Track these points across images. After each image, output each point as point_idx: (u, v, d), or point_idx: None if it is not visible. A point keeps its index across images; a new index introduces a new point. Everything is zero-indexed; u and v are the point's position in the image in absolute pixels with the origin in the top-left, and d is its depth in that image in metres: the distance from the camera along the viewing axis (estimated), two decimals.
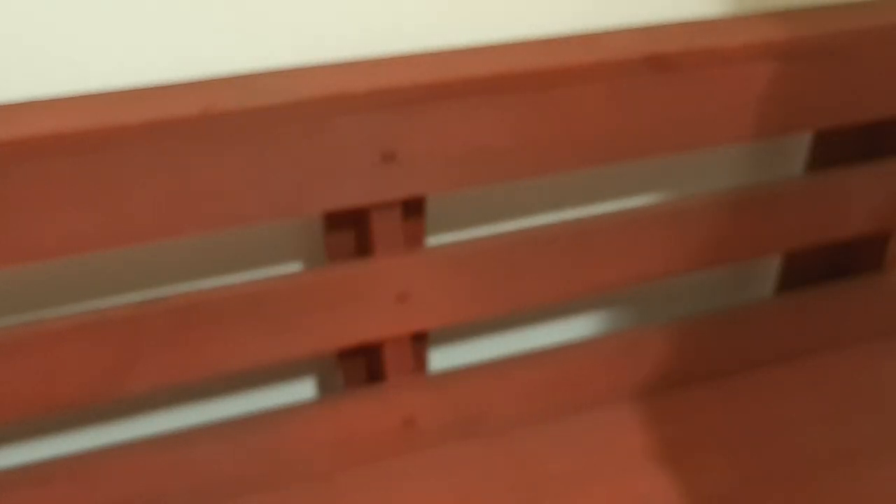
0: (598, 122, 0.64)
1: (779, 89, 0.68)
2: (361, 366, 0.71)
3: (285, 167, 0.57)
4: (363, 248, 0.64)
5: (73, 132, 0.52)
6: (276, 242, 0.70)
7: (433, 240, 0.73)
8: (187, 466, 0.63)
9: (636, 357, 0.74)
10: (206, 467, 0.63)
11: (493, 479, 0.67)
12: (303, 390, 0.77)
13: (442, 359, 0.78)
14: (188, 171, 0.55)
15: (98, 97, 0.56)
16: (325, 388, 0.78)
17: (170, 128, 0.54)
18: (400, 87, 0.58)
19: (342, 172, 0.59)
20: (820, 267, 0.84)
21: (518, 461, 0.68)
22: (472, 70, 0.61)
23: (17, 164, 0.51)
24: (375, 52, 0.64)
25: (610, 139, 0.65)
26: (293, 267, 0.71)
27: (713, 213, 0.71)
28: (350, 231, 0.65)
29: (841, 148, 0.79)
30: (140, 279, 0.66)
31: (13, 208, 0.52)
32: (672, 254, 0.71)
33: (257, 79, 0.59)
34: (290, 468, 0.65)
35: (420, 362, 0.70)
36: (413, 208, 0.64)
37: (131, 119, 0.53)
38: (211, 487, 0.64)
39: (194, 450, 0.63)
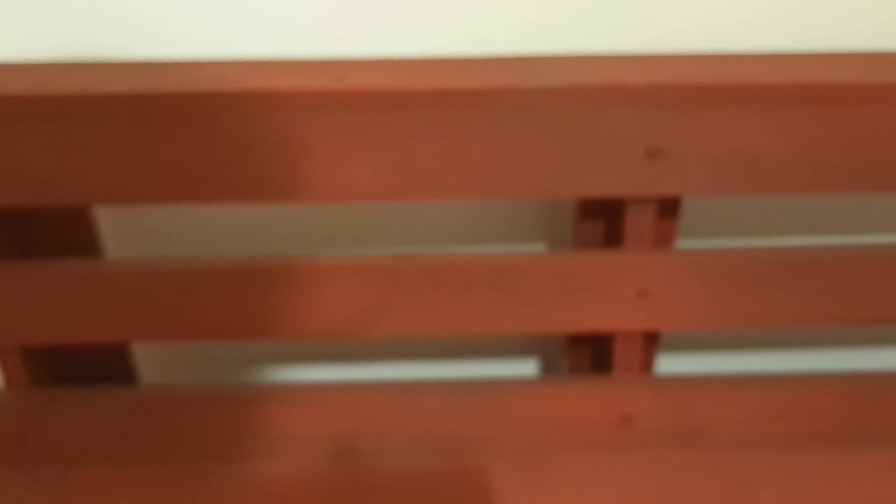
0: (884, 146, 0.60)
1: None
2: (588, 355, 0.72)
3: (553, 149, 0.59)
4: (612, 239, 0.65)
5: (369, 90, 0.57)
6: (524, 221, 0.72)
7: (682, 244, 0.72)
8: (413, 415, 0.67)
9: (879, 402, 0.68)
10: (430, 419, 0.67)
11: (704, 495, 0.65)
12: (525, 369, 0.79)
13: (668, 365, 0.76)
14: (464, 140, 0.58)
15: (395, 62, 0.60)
16: (546, 371, 0.79)
17: (454, 97, 0.57)
18: (676, 85, 0.58)
19: (606, 162, 0.59)
20: None
21: (733, 483, 0.66)
22: (751, 76, 0.59)
23: (317, 114, 0.57)
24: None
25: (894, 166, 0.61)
26: (535, 248, 0.73)
27: None
28: (601, 220, 0.66)
29: None
30: (398, 235, 0.71)
31: (307, 153, 0.58)
32: None
33: (538, 61, 0.61)
34: (506, 437, 0.68)
35: (647, 362, 0.69)
36: (668, 207, 0.64)
37: (421, 85, 0.57)
38: (430, 439, 0.68)
39: (422, 401, 0.67)
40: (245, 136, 0.57)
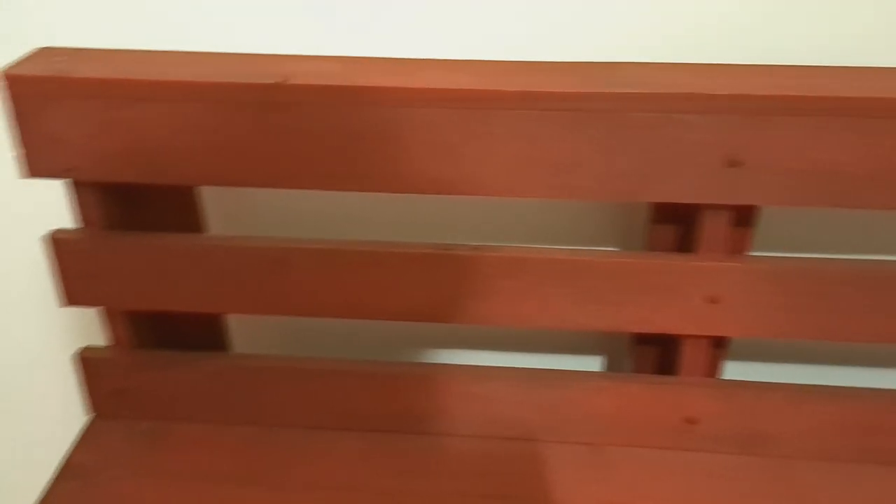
0: None
1: None
2: (653, 355, 0.73)
3: (631, 153, 0.60)
4: (686, 244, 0.66)
5: (457, 90, 0.60)
6: (596, 224, 0.74)
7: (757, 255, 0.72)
8: (478, 399, 0.71)
9: None
10: (496, 403, 0.70)
11: (763, 502, 0.66)
12: (590, 365, 0.81)
13: (735, 372, 0.77)
14: (545, 141, 0.60)
15: (482, 64, 0.63)
16: (610, 369, 0.81)
17: (537, 99, 0.59)
18: (757, 95, 0.59)
19: (684, 168, 0.61)
20: None
21: (793, 492, 0.67)
22: (835, 89, 0.59)
23: (408, 111, 0.60)
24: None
25: None
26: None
27: None
28: (675, 225, 0.67)
29: None
30: (475, 230, 0.74)
31: (397, 146, 0.61)
32: None
33: (621, 67, 0.63)
34: (568, 427, 0.70)
35: (713, 368, 0.70)
36: (744, 216, 0.65)
37: (507, 86, 0.60)
38: (496, 422, 0.71)
39: (489, 386, 0.70)
40: (342, 128, 0.60)
